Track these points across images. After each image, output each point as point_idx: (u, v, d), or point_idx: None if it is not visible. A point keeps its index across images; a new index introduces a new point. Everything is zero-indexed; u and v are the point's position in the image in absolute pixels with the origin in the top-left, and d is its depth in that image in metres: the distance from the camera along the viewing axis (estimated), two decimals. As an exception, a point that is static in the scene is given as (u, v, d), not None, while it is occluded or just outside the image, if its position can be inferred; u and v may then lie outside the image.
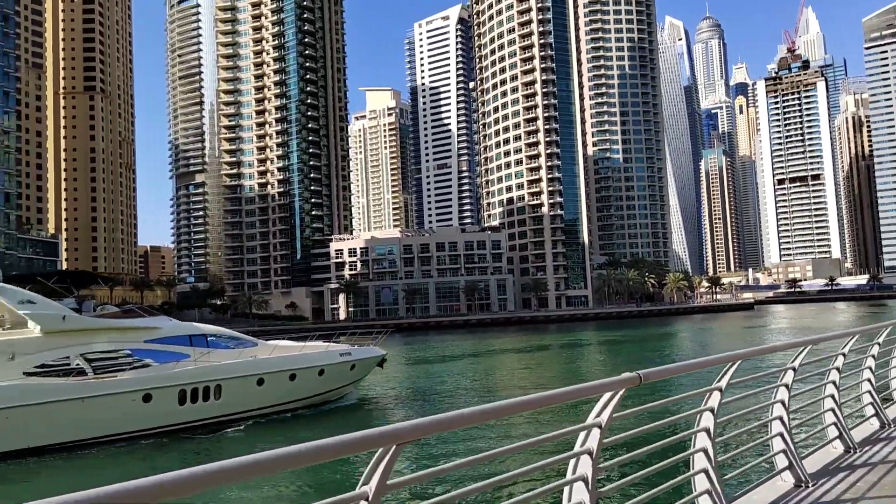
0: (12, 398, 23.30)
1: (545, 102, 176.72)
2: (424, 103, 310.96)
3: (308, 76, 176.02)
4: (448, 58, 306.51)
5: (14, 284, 27.93)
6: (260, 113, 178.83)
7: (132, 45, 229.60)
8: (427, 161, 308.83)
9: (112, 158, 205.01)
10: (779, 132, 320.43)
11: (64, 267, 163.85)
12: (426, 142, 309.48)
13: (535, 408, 3.50)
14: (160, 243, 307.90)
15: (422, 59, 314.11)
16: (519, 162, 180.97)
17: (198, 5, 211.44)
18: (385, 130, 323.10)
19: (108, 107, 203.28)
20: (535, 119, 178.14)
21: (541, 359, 60.79)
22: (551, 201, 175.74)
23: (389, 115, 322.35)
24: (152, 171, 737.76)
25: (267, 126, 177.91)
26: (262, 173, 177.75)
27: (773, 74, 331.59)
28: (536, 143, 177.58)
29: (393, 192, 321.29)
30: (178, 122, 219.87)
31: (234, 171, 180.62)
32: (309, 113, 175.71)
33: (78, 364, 25.38)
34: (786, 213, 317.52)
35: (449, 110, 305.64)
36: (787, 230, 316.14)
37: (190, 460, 23.91)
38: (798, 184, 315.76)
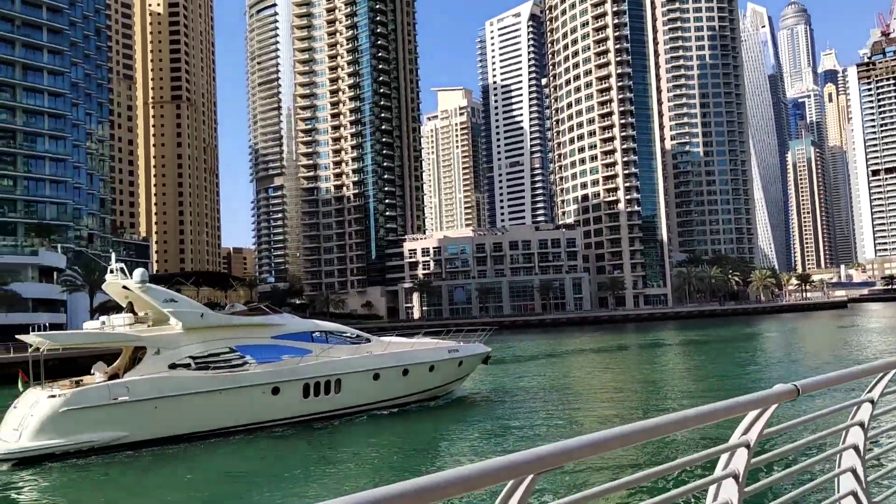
0: (160, 390, 25.37)
1: (620, 96, 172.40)
2: (496, 101, 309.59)
3: (381, 78, 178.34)
4: (520, 54, 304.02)
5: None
6: (335, 116, 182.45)
7: (214, 55, 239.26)
8: (499, 159, 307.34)
9: (197, 164, 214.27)
10: (872, 120, 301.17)
11: (155, 269, 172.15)
12: (498, 140, 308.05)
13: (686, 427, 3.06)
14: (242, 245, 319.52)
15: (493, 56, 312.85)
16: (594, 158, 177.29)
17: (275, 14, 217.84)
18: (457, 130, 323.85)
19: (193, 115, 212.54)
20: (610, 114, 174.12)
21: (624, 359, 58.98)
22: (628, 197, 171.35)
23: (461, 114, 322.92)
24: (234, 175, 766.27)
25: (342, 128, 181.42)
26: (338, 175, 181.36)
27: (866, 60, 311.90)
28: (612, 139, 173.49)
29: (465, 191, 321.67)
30: (258, 128, 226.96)
31: (311, 173, 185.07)
32: (382, 114, 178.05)
33: (214, 358, 27.25)
34: (881, 205, 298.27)
35: (521, 107, 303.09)
36: (883, 224, 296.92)
37: (315, 452, 24.60)
38: (894, 174, 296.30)
